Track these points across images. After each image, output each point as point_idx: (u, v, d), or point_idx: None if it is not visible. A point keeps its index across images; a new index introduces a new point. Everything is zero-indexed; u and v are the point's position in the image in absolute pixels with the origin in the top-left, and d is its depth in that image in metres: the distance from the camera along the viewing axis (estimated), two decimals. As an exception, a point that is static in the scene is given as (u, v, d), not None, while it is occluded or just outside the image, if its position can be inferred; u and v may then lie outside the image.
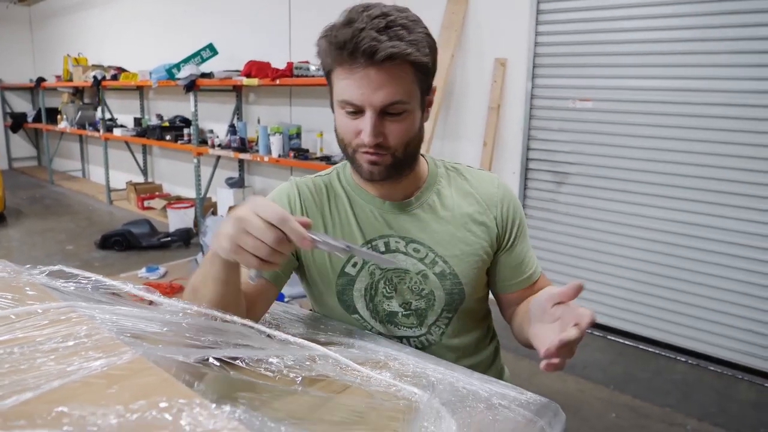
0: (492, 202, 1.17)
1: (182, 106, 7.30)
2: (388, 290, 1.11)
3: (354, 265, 1.13)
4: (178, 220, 6.24)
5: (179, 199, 7.14)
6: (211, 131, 6.54)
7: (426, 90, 1.03)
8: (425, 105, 1.05)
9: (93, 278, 0.70)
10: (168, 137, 6.82)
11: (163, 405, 0.39)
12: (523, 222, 1.20)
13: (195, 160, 6.28)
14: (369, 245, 1.10)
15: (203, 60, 6.08)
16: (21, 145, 11.52)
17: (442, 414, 0.66)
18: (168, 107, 7.79)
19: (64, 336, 0.47)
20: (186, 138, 6.63)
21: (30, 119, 10.56)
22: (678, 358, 3.45)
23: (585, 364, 3.38)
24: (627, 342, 3.65)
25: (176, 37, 7.19)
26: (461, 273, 1.12)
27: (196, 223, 6.26)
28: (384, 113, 0.98)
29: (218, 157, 6.20)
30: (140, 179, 8.48)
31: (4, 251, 5.91)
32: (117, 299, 0.68)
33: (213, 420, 0.39)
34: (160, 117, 7.70)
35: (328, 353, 0.75)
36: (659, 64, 3.29)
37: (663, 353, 3.50)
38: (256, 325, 0.78)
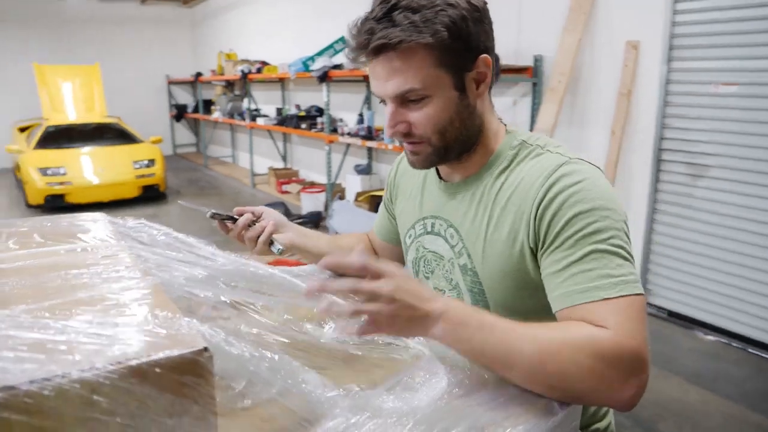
0: (534, 193, 0.92)
1: (317, 97, 7.70)
2: (427, 270, 1.10)
3: (410, 237, 1.14)
4: (311, 203, 6.65)
5: (312, 184, 7.58)
6: (341, 120, 6.84)
7: (460, 68, 0.92)
8: (465, 83, 0.93)
9: (167, 231, 0.84)
10: (303, 126, 7.25)
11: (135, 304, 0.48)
12: (576, 222, 0.87)
13: (327, 148, 6.62)
14: (422, 222, 1.10)
15: (336, 52, 6.37)
16: (183, 133, 12.88)
17: (438, 371, 0.70)
18: (305, 98, 8.26)
19: (104, 262, 0.60)
20: (319, 126, 6.99)
21: (190, 110, 11.76)
22: (832, 376, 3.04)
23: (715, 376, 3.10)
24: (769, 355, 3.29)
25: (313, 31, 7.59)
26: (482, 273, 1.00)
27: (327, 207, 6.61)
28: (405, 102, 0.93)
29: (348, 145, 6.48)
30: (280, 165, 9.11)
31: (163, 224, 6.73)
32: (190, 249, 0.82)
33: (176, 326, 0.47)
34: (298, 107, 8.21)
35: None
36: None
37: (813, 370, 3.11)
38: (288, 277, 0.84)
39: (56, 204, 6.93)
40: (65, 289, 0.57)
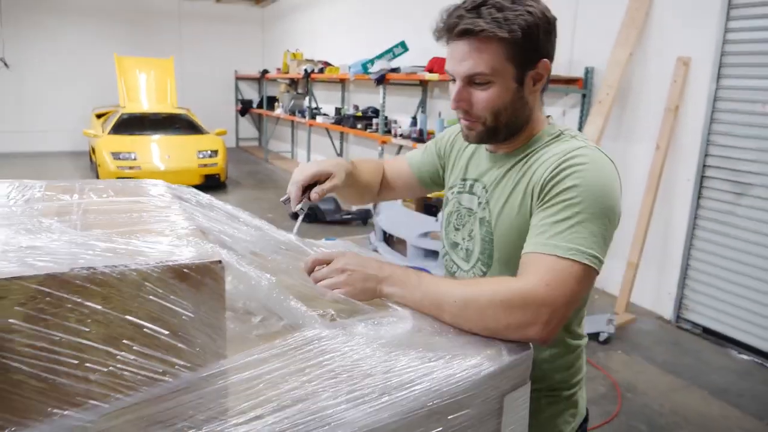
0: (549, 164, 1.07)
1: (375, 98, 7.94)
2: (458, 224, 1.27)
3: (451, 192, 1.31)
4: (360, 201, 6.88)
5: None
6: (395, 122, 7.04)
7: (524, 65, 1.06)
8: (524, 79, 1.08)
9: (210, 198, 1.06)
10: (359, 126, 7.50)
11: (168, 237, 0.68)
12: (569, 192, 1.01)
13: (379, 148, 6.84)
14: (464, 182, 1.28)
15: (395, 56, 6.58)
16: (246, 127, 13.43)
17: (406, 317, 0.88)
18: (364, 99, 8.52)
19: (158, 210, 0.81)
20: (374, 127, 7.22)
21: (255, 105, 12.27)
22: None
23: (741, 393, 3.11)
24: (804, 378, 3.25)
25: (375, 34, 7.83)
26: (495, 225, 1.16)
27: (375, 205, 6.82)
28: (472, 83, 1.08)
29: (400, 146, 6.67)
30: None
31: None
32: (227, 213, 1.04)
33: (204, 247, 0.66)
34: (356, 107, 8.48)
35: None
36: None
37: None
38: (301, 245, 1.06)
39: (126, 186, 7.44)
40: (129, 224, 0.77)
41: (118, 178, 7.45)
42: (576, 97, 4.67)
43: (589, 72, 4.49)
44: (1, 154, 10.86)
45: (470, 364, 0.82)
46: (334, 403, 0.68)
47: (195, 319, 0.63)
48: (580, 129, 4.48)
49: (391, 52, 6.58)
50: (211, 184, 8.12)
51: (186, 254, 0.64)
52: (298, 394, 0.68)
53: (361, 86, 8.58)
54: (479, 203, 1.21)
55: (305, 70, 8.71)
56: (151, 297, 0.61)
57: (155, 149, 8.07)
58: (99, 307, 0.59)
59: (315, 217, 6.54)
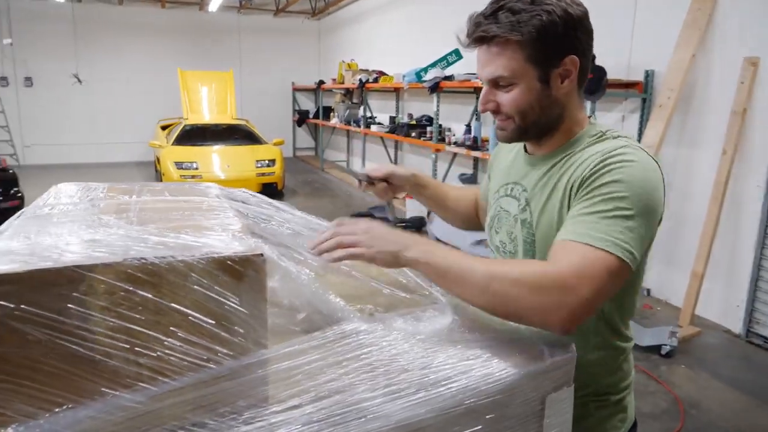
0: (591, 161, 1.06)
1: (430, 106, 7.95)
2: (498, 227, 1.27)
3: (494, 198, 1.32)
4: (415, 208, 6.91)
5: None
6: (449, 130, 7.03)
7: (546, 64, 1.07)
8: (550, 78, 1.09)
9: (263, 198, 1.11)
10: (413, 134, 7.53)
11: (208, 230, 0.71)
12: (610, 186, 0.99)
13: (433, 156, 6.84)
14: (505, 186, 1.28)
15: (449, 64, 6.57)
16: (303, 137, 13.72)
17: (447, 312, 0.88)
18: (418, 107, 8.56)
19: (209, 209, 0.85)
20: (428, 135, 7.23)
21: (311, 115, 12.53)
22: None
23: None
24: None
25: (429, 42, 7.86)
26: (536, 226, 1.14)
27: (429, 213, 6.82)
28: (496, 85, 1.11)
29: (454, 154, 6.66)
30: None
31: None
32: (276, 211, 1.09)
33: (248, 242, 0.70)
34: (410, 116, 8.53)
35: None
36: None
37: None
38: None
39: (188, 194, 7.75)
40: (181, 220, 0.82)
41: (181, 186, 7.78)
42: (636, 101, 4.53)
43: (649, 75, 4.35)
44: (75, 164, 11.53)
45: (509, 363, 0.81)
46: (371, 396, 0.70)
47: (237, 309, 0.66)
48: (640, 134, 4.35)
49: (445, 60, 6.59)
50: (269, 192, 8.30)
51: (230, 247, 0.68)
52: (336, 385, 0.70)
53: (415, 95, 8.62)
54: (519, 206, 1.21)
55: (360, 80, 8.83)
56: (196, 287, 0.64)
57: (216, 159, 8.36)
58: (149, 295, 0.63)
59: (369, 224, 6.61)
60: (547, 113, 1.12)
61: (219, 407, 0.65)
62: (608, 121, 4.80)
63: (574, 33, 1.07)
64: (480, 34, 1.06)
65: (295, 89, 13.25)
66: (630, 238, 0.95)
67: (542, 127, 1.14)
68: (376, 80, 8.65)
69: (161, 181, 8.27)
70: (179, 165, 7.92)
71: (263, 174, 8.26)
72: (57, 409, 0.60)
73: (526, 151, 1.25)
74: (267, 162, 8.41)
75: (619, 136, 1.11)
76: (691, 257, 3.93)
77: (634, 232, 0.96)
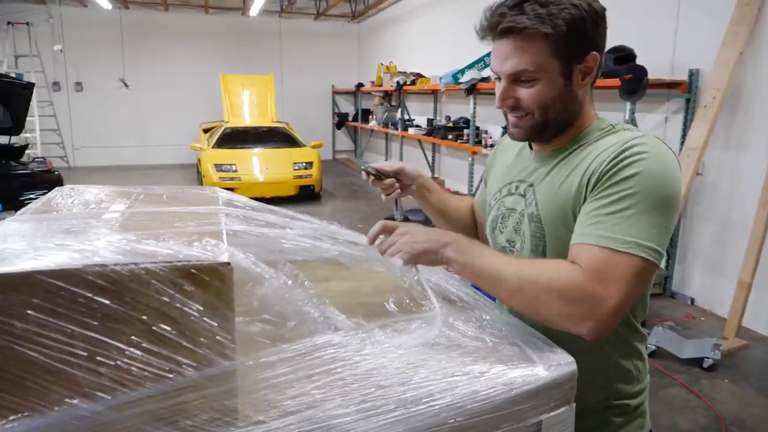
0: (605, 155, 1.02)
1: (466, 109, 7.86)
2: (502, 226, 1.23)
3: (495, 199, 1.28)
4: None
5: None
6: (486, 132, 6.92)
7: (570, 59, 1.04)
8: (572, 74, 1.06)
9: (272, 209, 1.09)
10: (450, 136, 7.46)
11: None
12: (628, 181, 0.96)
13: (469, 159, 6.75)
14: (508, 185, 1.23)
15: (486, 65, 6.48)
16: (342, 140, 13.79)
17: (435, 323, 0.83)
18: (456, 109, 8.46)
19: (198, 215, 0.83)
20: (465, 138, 7.15)
21: (350, 118, 12.58)
22: None
23: None
24: None
25: (466, 44, 7.74)
26: (545, 220, 1.10)
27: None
28: (517, 81, 1.06)
29: (490, 157, 6.55)
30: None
31: (313, 224, 7.41)
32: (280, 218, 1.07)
33: (219, 250, 0.67)
34: (447, 118, 8.45)
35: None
36: None
37: None
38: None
39: (227, 196, 7.89)
40: (163, 227, 0.81)
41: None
42: (679, 102, 4.35)
43: (693, 75, 4.16)
44: (122, 166, 11.90)
45: (500, 380, 0.76)
46: (344, 412, 0.66)
47: (202, 319, 0.64)
48: (683, 136, 4.17)
49: (482, 62, 6.50)
50: (306, 194, 8.39)
51: (196, 255, 0.65)
52: (306, 401, 0.66)
53: (453, 97, 8.54)
54: (526, 201, 1.17)
55: (397, 83, 8.81)
56: (158, 295, 0.62)
57: (255, 161, 8.48)
58: (109, 302, 0.61)
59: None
60: (567, 109, 1.09)
61: (179, 420, 0.62)
62: (650, 123, 4.63)
63: (598, 29, 1.05)
64: (508, 24, 1.01)
65: (335, 92, 13.34)
66: (652, 235, 0.93)
67: (560, 124, 1.11)
68: (413, 82, 8.61)
69: (202, 183, 8.44)
70: (219, 167, 8.07)
71: (300, 176, 8.33)
72: (12, 417, 0.59)
73: (530, 148, 1.22)
74: (304, 164, 8.48)
75: (629, 129, 1.09)
76: (738, 265, 3.73)
77: (656, 227, 0.94)
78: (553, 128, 1.11)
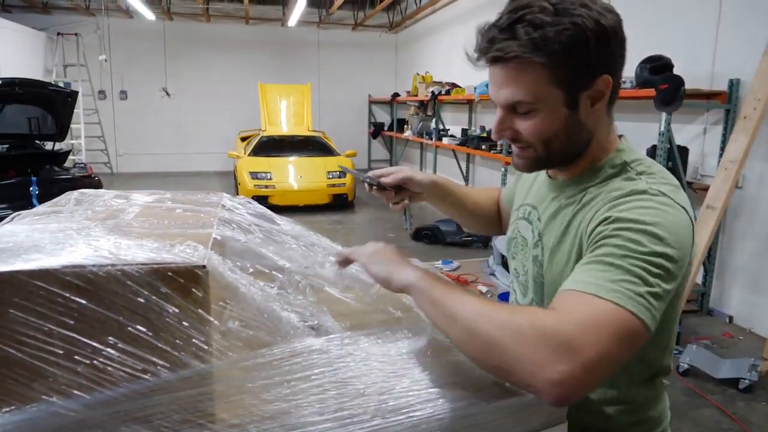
0: (603, 205, 0.93)
1: (501, 119, 7.79)
2: (515, 252, 1.16)
3: (513, 217, 1.21)
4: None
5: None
6: (520, 142, 6.84)
7: (574, 86, 0.92)
8: (579, 101, 0.93)
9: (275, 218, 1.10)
10: (483, 147, 7.40)
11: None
12: (612, 232, 0.86)
13: (503, 169, 6.69)
14: (524, 207, 1.17)
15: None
16: (378, 149, 13.85)
17: (423, 335, 0.82)
18: (490, 119, 8.34)
19: (191, 218, 0.84)
20: (498, 148, 7.08)
21: (386, 128, 12.63)
22: None
23: None
24: None
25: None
26: (546, 267, 1.03)
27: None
28: (514, 110, 0.95)
29: (524, 168, 6.48)
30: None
31: (346, 230, 7.47)
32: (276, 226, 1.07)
33: (200, 254, 0.67)
34: (482, 128, 8.39)
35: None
36: None
37: None
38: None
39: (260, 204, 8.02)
40: (152, 228, 0.82)
41: (254, 196, 8.03)
42: (719, 113, 4.21)
43: (733, 85, 4.02)
44: (163, 173, 12.24)
45: (485, 393, 0.75)
46: (319, 420, 0.66)
47: (178, 322, 0.65)
48: (722, 148, 4.03)
49: (516, 72, 6.44)
50: (339, 203, 8.44)
51: (176, 258, 0.66)
52: (281, 407, 0.66)
53: (487, 107, 8.49)
54: (533, 238, 1.10)
55: (432, 92, 8.81)
56: (134, 296, 0.63)
57: (290, 170, 8.59)
58: (85, 302, 0.62)
59: (435, 238, 6.53)
60: (574, 140, 0.97)
61: (153, 420, 0.63)
62: (688, 134, 4.49)
63: (608, 49, 0.91)
64: (495, 54, 0.89)
65: (372, 102, 13.42)
66: (646, 292, 0.79)
67: (567, 156, 0.99)
68: (448, 92, 8.59)
69: (237, 190, 8.60)
70: (254, 175, 8.20)
71: (333, 185, 8.39)
72: (-11, 412, 0.60)
73: (547, 173, 1.12)
74: (338, 173, 8.54)
75: (643, 173, 0.96)
76: (779, 283, 3.58)
77: (652, 286, 0.80)
78: (558, 161, 1.00)
